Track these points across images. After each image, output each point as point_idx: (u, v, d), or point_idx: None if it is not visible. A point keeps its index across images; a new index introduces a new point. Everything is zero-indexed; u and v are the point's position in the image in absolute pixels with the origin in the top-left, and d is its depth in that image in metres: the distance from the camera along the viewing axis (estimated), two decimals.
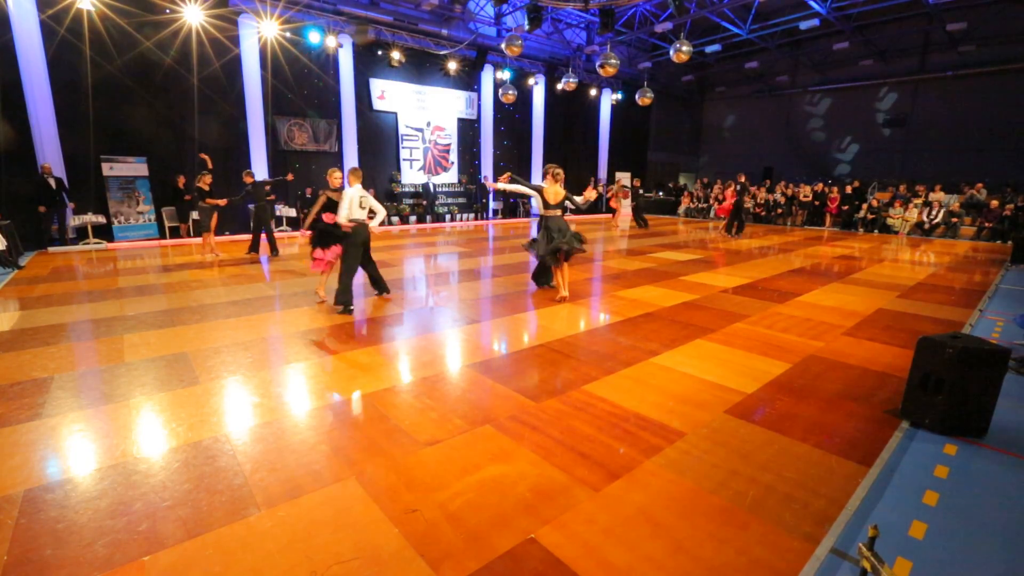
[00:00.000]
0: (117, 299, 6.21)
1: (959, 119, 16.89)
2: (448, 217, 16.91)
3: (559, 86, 17.12)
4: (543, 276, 6.84)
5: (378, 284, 6.32)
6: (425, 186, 16.31)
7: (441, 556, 2.05)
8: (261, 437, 2.98)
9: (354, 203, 5.53)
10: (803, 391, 3.69)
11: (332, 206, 5.85)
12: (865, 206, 14.98)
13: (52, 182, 9.77)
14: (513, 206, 18.45)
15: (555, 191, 6.07)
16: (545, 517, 2.29)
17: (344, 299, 5.61)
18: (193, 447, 2.86)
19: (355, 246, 5.70)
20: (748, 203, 16.33)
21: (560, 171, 6.15)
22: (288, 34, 12.65)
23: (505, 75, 16.53)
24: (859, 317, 5.63)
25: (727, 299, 6.41)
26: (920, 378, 3.12)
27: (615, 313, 5.76)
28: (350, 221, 5.54)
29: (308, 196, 13.69)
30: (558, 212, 6.13)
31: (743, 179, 12.97)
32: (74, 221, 10.54)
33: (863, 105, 18.95)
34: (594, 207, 20.49)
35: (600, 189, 18.49)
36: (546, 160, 19.30)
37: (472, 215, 17.49)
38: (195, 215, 9.69)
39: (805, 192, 16.64)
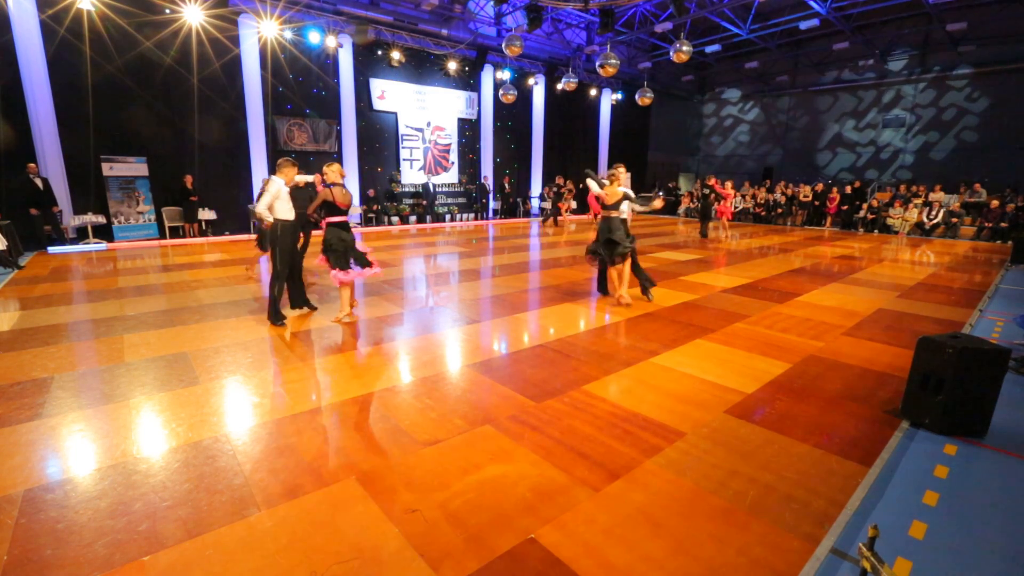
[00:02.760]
0: (117, 299, 6.20)
1: (958, 118, 16.89)
2: (448, 217, 16.92)
3: (559, 86, 17.12)
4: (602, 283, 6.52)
5: (299, 298, 5.67)
6: (425, 186, 16.30)
7: (441, 556, 2.05)
8: (261, 437, 2.98)
9: (281, 197, 5.00)
10: (803, 391, 3.69)
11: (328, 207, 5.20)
12: (865, 206, 14.99)
13: (39, 182, 9.68)
14: (513, 206, 18.44)
15: (612, 192, 5.87)
16: (545, 517, 2.29)
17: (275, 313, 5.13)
18: (193, 447, 2.85)
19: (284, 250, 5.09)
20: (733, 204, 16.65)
21: (618, 171, 6.09)
22: (288, 34, 12.65)
23: (505, 75, 16.53)
24: (859, 317, 5.63)
25: (727, 299, 6.41)
26: (920, 378, 3.12)
27: (615, 313, 5.76)
28: (278, 219, 5.05)
29: None
30: (612, 213, 5.88)
31: (712, 181, 12.68)
32: (74, 221, 10.53)
33: (863, 105, 18.94)
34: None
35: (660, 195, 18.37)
36: (546, 160, 19.31)
37: (472, 215, 17.50)
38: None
39: (805, 192, 16.64)
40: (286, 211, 5.07)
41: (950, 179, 15.86)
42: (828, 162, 20.15)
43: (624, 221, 5.96)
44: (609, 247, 5.85)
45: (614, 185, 5.91)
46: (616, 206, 5.87)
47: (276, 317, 5.15)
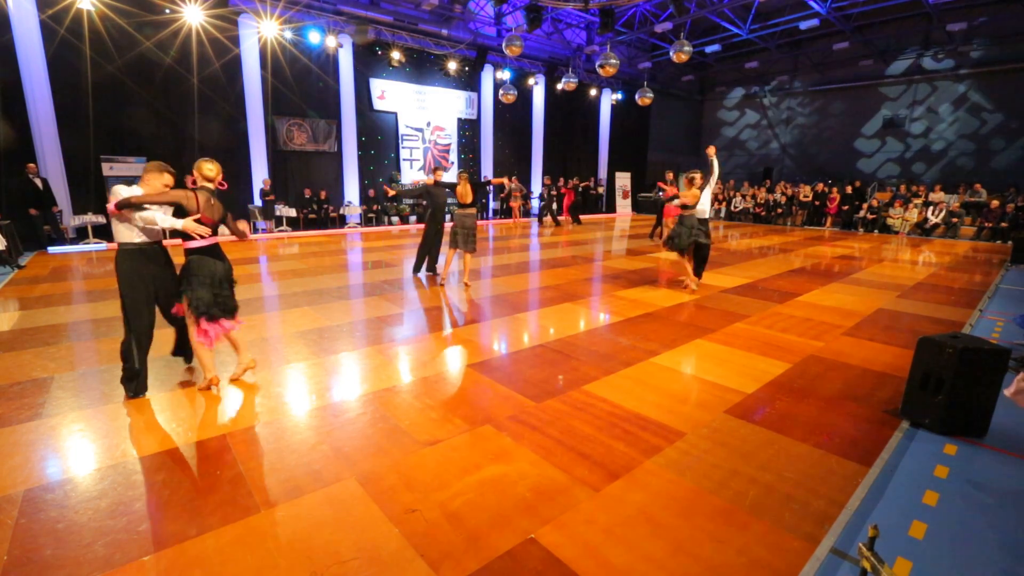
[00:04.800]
0: (117, 299, 6.19)
1: (958, 118, 16.89)
2: (448, 217, 16.88)
3: (559, 86, 17.10)
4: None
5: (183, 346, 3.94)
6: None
7: (441, 556, 2.05)
8: (261, 437, 2.98)
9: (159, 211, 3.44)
10: (803, 391, 3.69)
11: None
12: (865, 206, 14.99)
13: (38, 182, 9.66)
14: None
15: (693, 194, 6.59)
16: (545, 517, 2.29)
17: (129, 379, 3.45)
18: (193, 447, 2.85)
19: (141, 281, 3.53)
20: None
21: (695, 176, 6.62)
22: (288, 34, 12.65)
23: (505, 75, 16.52)
24: (859, 317, 5.63)
25: (727, 299, 6.41)
26: (920, 378, 3.12)
27: (615, 313, 5.76)
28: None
29: (307, 196, 13.71)
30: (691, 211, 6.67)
31: (670, 177, 11.57)
32: (74, 221, 10.53)
33: (862, 105, 18.94)
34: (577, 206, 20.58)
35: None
36: (546, 160, 19.31)
37: None
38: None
39: (805, 192, 16.64)
40: (128, 231, 3.44)
41: (952, 179, 15.81)
42: (831, 162, 20.07)
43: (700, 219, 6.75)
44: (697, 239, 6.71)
45: (693, 188, 6.57)
46: (695, 206, 6.66)
47: (130, 384, 3.45)
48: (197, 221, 3.46)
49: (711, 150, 6.83)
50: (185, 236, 3.54)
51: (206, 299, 3.50)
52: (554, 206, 16.47)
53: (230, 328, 3.67)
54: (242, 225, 3.92)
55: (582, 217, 18.04)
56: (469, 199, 6.87)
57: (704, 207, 6.74)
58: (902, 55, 17.58)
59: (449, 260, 7.27)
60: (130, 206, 3.29)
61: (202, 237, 3.51)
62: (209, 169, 3.63)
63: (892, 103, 18.22)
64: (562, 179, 18.06)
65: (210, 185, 3.65)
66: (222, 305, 3.59)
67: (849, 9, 14.63)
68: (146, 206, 3.36)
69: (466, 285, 7.08)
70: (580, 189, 17.63)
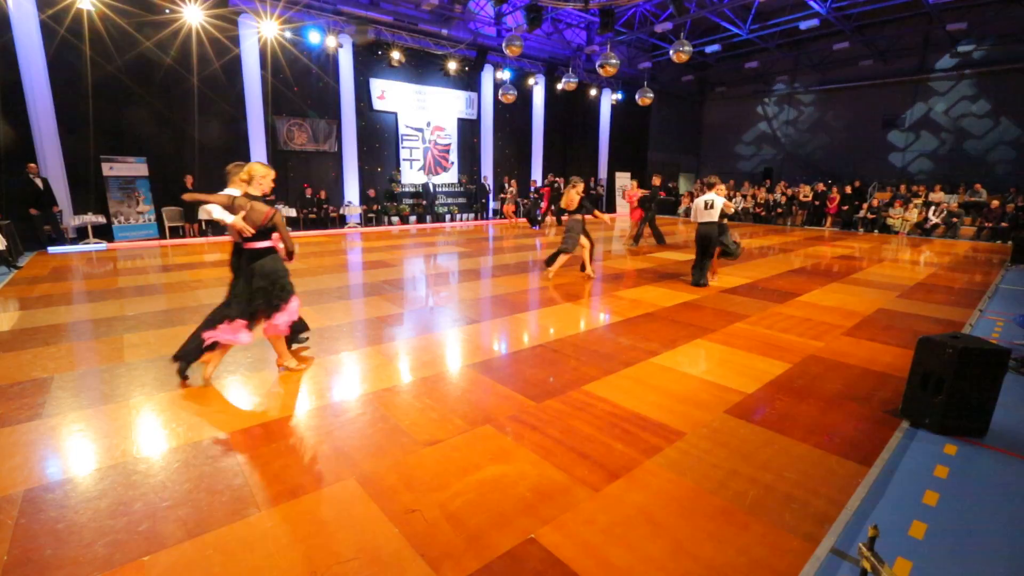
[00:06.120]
0: (117, 299, 6.20)
1: (958, 119, 16.89)
2: (448, 217, 16.92)
3: (559, 86, 17.11)
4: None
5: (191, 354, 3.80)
6: (425, 186, 16.30)
7: (441, 556, 2.05)
8: (261, 437, 2.98)
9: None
10: (803, 391, 3.68)
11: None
12: (865, 206, 14.99)
13: (39, 182, 9.66)
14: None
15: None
16: (545, 517, 2.29)
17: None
18: (193, 447, 2.85)
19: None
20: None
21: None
22: (288, 34, 12.65)
23: (505, 75, 16.53)
24: (859, 317, 5.63)
25: (727, 299, 6.41)
26: (920, 378, 3.12)
27: (615, 313, 5.76)
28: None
29: (307, 196, 13.72)
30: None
31: (657, 182, 11.78)
32: (74, 221, 10.53)
33: (863, 105, 18.93)
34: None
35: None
36: (546, 160, 19.30)
37: (472, 215, 17.49)
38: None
39: (805, 192, 16.64)
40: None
41: (952, 179, 15.83)
42: (831, 162, 20.06)
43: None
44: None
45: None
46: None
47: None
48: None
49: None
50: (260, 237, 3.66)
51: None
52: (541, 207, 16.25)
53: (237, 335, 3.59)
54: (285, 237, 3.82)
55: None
56: (574, 206, 7.25)
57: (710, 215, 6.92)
58: (905, 55, 17.57)
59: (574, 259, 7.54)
60: (198, 201, 3.63)
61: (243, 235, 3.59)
62: (251, 170, 3.65)
63: (893, 103, 18.22)
64: (538, 178, 17.79)
65: (250, 189, 3.64)
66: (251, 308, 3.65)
67: (849, 9, 14.63)
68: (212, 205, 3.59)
69: (548, 279, 7.41)
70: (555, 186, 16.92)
